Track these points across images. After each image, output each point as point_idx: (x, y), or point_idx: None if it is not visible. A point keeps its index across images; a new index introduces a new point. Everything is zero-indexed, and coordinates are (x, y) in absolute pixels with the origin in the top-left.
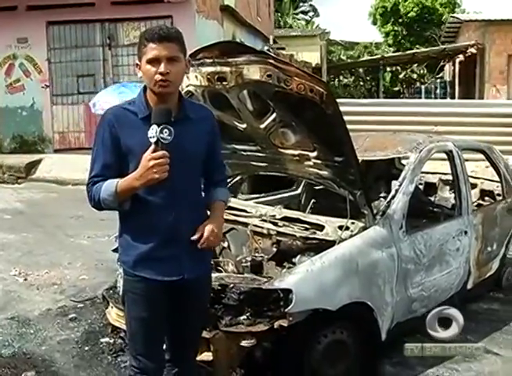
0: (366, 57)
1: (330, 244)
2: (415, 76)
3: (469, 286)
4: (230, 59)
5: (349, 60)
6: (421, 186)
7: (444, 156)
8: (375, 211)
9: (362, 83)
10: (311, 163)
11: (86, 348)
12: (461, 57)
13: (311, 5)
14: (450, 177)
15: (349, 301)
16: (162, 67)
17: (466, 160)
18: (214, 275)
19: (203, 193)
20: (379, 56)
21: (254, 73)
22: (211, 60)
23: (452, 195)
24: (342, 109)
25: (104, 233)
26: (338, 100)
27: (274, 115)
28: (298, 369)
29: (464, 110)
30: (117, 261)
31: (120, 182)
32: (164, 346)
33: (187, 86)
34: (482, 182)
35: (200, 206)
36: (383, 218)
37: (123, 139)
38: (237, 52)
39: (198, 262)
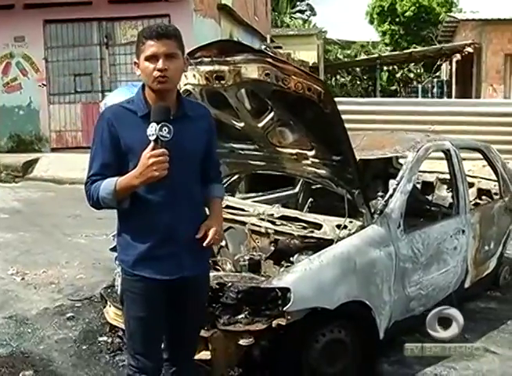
0: (363, 56)
1: (328, 242)
2: (412, 75)
3: (466, 285)
4: (228, 58)
5: (346, 59)
6: (419, 185)
7: (441, 155)
8: (373, 210)
9: (358, 82)
10: (309, 162)
11: (84, 347)
12: (458, 56)
13: (308, 4)
14: (448, 176)
15: (347, 299)
16: (160, 63)
17: (464, 159)
18: (212, 274)
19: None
20: (376, 55)
21: (252, 72)
22: (209, 59)
23: (450, 194)
24: (339, 108)
25: (102, 231)
26: (335, 99)
27: (272, 114)
28: (296, 368)
29: (461, 109)
30: (115, 260)
31: (119, 181)
32: (162, 345)
33: (185, 85)
34: (480, 181)
35: (199, 204)
36: (381, 217)
37: (122, 137)
38: (235, 50)
39: (197, 261)
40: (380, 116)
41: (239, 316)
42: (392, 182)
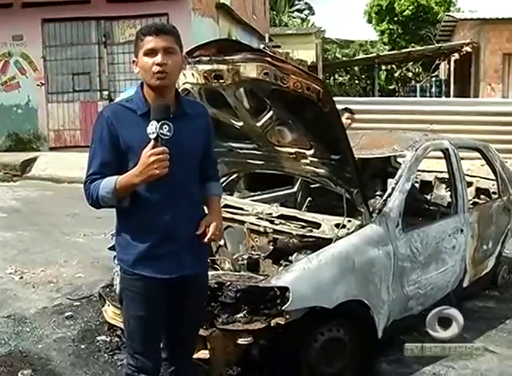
0: (362, 55)
1: (327, 241)
2: (410, 74)
3: (465, 284)
4: (227, 57)
5: (344, 59)
6: (417, 185)
7: (440, 154)
8: (371, 209)
9: (357, 81)
10: (307, 161)
11: (82, 346)
12: (456, 56)
13: (306, 3)
14: (446, 175)
15: (346, 299)
16: (159, 57)
17: (462, 158)
18: (210, 273)
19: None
20: (374, 55)
21: (250, 71)
22: (208, 58)
23: (448, 193)
24: (338, 107)
25: (100, 230)
26: (334, 98)
27: (270, 113)
28: (295, 367)
29: (459, 109)
30: (114, 259)
31: (119, 179)
32: (161, 345)
33: (184, 84)
34: (478, 180)
35: (198, 202)
36: (379, 216)
37: (122, 136)
38: (234, 50)
39: (197, 259)
40: (378, 115)
41: (238, 315)
42: (391, 182)
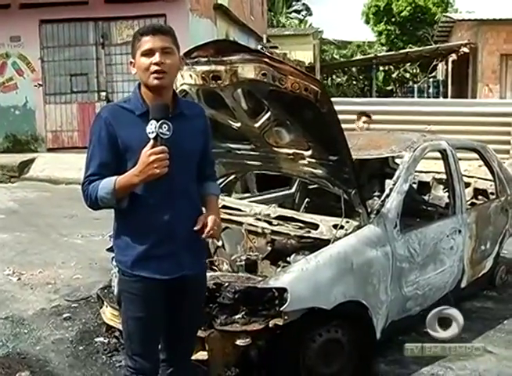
0: (359, 56)
1: (325, 242)
2: (408, 75)
3: (463, 284)
4: (225, 58)
5: (342, 59)
6: (415, 185)
7: (438, 155)
8: (369, 210)
9: (355, 82)
10: (305, 162)
11: (81, 347)
12: (454, 56)
13: (304, 4)
14: (444, 176)
15: (344, 299)
16: (157, 57)
17: (460, 159)
18: (208, 274)
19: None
20: (372, 55)
21: (248, 72)
22: (206, 59)
23: (446, 194)
24: (336, 108)
25: (98, 232)
26: (332, 99)
27: (268, 114)
28: (293, 368)
29: (457, 109)
30: (112, 260)
31: (118, 179)
32: (159, 346)
33: (181, 85)
34: (476, 180)
35: (196, 202)
36: (377, 216)
37: (120, 136)
38: (232, 50)
39: (196, 259)
40: (376, 116)
41: (236, 317)
42: (389, 182)
